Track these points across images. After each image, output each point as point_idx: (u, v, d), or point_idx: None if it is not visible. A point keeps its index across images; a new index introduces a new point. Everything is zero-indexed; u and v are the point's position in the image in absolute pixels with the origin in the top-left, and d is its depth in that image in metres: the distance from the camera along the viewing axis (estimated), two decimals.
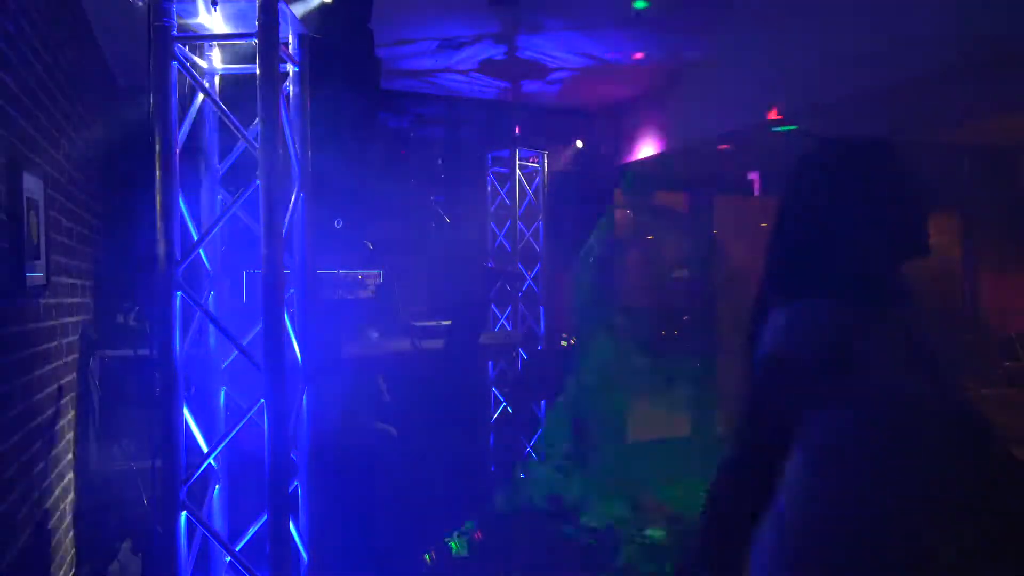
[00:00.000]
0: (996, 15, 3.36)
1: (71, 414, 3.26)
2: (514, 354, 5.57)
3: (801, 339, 1.40)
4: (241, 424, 2.21)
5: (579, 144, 5.94)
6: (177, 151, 2.16)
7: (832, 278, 1.44)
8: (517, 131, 5.56)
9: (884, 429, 1.37)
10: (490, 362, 5.60)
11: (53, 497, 2.86)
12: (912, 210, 1.45)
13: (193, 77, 2.18)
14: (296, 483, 2.49)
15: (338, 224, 4.17)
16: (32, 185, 2.48)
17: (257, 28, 2.10)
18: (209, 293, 2.45)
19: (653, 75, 5.69)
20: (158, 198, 2.12)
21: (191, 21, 2.25)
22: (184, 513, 2.17)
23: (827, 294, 1.43)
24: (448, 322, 4.72)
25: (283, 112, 2.20)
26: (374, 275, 5.37)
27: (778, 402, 1.42)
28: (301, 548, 2.45)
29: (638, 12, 4.26)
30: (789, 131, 5.04)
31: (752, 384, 1.45)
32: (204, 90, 2.23)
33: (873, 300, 1.44)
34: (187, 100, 2.26)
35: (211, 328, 2.42)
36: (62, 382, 3.07)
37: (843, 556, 1.34)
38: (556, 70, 5.51)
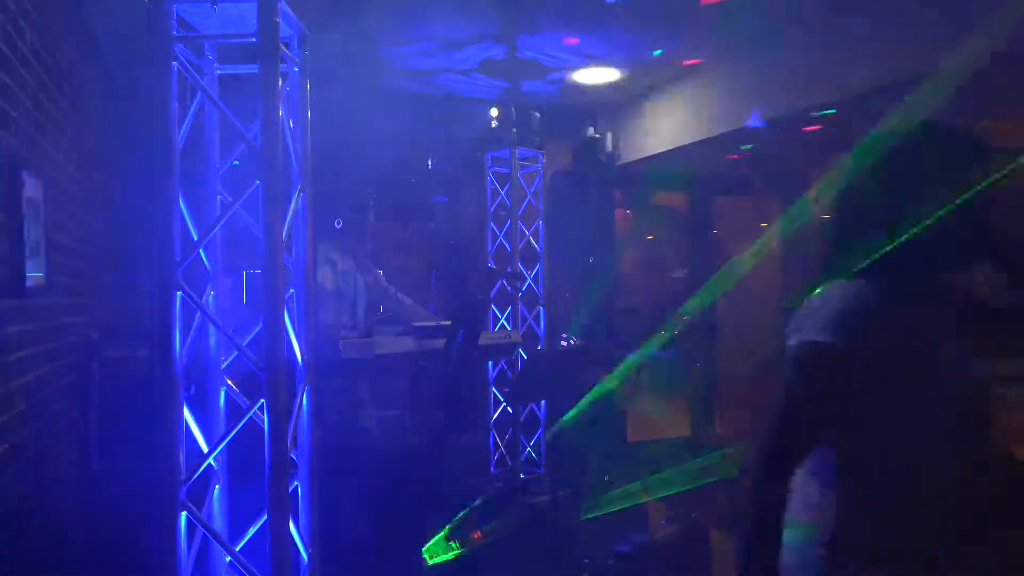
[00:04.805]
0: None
1: (72, 415, 3.25)
2: (514, 354, 5.55)
3: (823, 323, 1.32)
4: (241, 424, 2.21)
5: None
6: (177, 151, 2.15)
7: (883, 264, 1.35)
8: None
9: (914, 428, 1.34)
10: (490, 362, 5.59)
11: (53, 499, 2.86)
12: (984, 212, 1.35)
13: (193, 77, 2.18)
14: (296, 483, 2.49)
15: (338, 224, 4.17)
16: (32, 185, 2.48)
17: (257, 28, 2.10)
18: (209, 293, 2.45)
19: (655, 73, 5.69)
20: (158, 198, 2.12)
21: (191, 20, 2.25)
22: (184, 513, 2.16)
23: (864, 276, 1.35)
24: (448, 322, 4.71)
25: (283, 112, 2.19)
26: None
27: (809, 391, 1.36)
28: (301, 548, 2.44)
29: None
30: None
31: (784, 373, 1.38)
32: (204, 90, 2.23)
33: (914, 290, 1.35)
34: (187, 100, 2.25)
35: (211, 328, 2.42)
36: (63, 383, 3.06)
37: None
38: (556, 70, 5.51)
